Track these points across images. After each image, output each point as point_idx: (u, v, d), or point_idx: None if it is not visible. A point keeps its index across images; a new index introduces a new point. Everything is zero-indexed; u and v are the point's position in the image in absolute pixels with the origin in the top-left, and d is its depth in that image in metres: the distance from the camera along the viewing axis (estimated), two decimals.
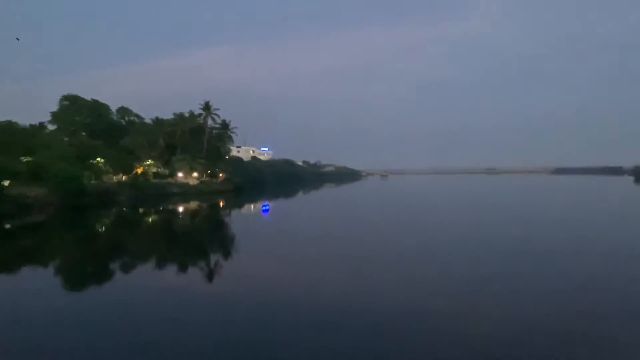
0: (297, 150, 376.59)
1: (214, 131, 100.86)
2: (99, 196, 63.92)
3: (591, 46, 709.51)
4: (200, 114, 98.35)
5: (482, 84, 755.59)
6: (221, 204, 69.20)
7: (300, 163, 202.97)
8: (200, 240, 33.99)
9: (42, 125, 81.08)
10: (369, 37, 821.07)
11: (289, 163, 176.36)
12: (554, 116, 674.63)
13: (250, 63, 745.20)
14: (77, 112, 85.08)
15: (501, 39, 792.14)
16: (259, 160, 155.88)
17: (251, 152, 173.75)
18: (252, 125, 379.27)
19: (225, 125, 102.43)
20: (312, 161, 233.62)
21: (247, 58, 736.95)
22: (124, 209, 58.96)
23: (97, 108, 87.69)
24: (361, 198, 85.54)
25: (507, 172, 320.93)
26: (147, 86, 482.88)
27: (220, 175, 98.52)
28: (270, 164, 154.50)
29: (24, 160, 58.82)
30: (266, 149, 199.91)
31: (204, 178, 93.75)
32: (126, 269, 23.59)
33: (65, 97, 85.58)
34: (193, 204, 65.98)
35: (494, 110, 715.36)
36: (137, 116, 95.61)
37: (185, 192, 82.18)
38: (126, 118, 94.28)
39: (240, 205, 68.71)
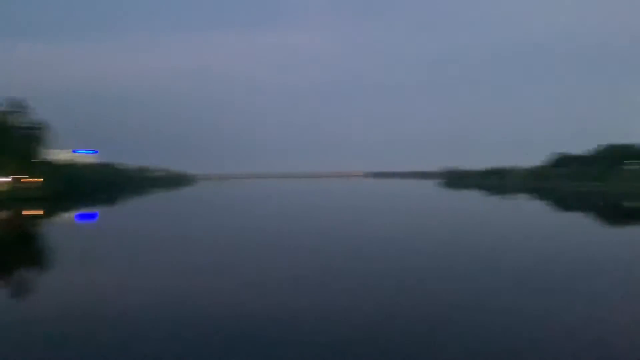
0: (132, 153, 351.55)
1: (22, 131, 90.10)
2: None
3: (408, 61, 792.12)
4: (7, 112, 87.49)
5: (312, 91, 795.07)
6: (29, 212, 62.69)
7: (130, 166, 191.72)
8: None
9: None
10: (209, 41, 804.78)
11: (114, 167, 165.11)
12: (375, 123, 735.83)
13: (81, 61, 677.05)
14: None
15: (334, 51, 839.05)
16: (82, 164, 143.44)
17: (74, 155, 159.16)
18: (81, 126, 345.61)
19: (40, 126, 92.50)
20: (145, 164, 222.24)
21: (78, 56, 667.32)
22: None
23: None
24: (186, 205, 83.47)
25: (327, 176, 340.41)
26: None
27: (34, 180, 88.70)
28: (93, 168, 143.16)
29: None
30: (92, 152, 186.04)
31: (15, 183, 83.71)
32: None
33: None
34: None
35: (322, 117, 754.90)
36: None
37: None
38: None
39: (52, 215, 62.59)
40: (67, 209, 70.17)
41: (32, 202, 74.56)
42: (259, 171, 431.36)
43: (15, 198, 77.22)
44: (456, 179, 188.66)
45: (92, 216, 60.31)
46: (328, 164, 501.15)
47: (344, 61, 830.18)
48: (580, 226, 41.09)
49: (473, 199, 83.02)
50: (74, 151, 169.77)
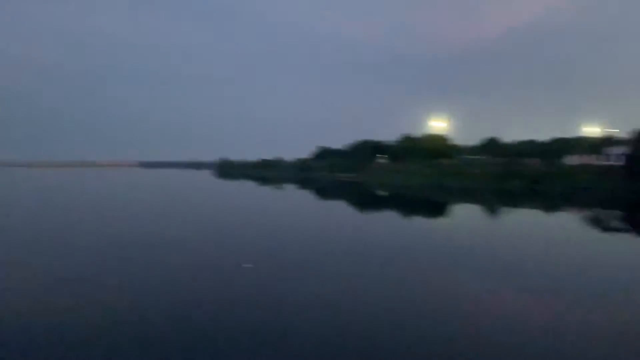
0: None
1: None
2: None
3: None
4: None
5: (86, 74, 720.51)
6: None
7: None
8: None
9: None
10: None
11: None
12: (149, 113, 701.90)
13: None
14: None
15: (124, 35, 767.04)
16: None
17: None
18: None
19: None
20: None
21: None
22: None
23: None
24: None
25: (97, 166, 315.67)
26: None
27: None
28: None
29: None
30: None
31: None
32: None
33: None
34: None
35: (90, 102, 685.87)
36: None
37: None
38: None
39: None
40: None
41: None
42: (20, 158, 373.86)
43: None
44: (230, 170, 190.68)
45: None
46: (97, 153, 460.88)
47: (123, 46, 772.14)
48: (338, 209, 44.52)
49: (238, 187, 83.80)
50: None
